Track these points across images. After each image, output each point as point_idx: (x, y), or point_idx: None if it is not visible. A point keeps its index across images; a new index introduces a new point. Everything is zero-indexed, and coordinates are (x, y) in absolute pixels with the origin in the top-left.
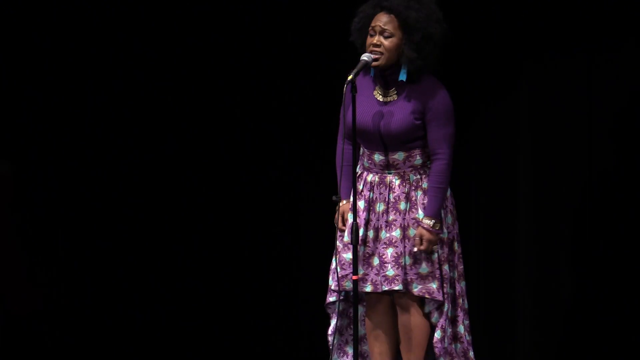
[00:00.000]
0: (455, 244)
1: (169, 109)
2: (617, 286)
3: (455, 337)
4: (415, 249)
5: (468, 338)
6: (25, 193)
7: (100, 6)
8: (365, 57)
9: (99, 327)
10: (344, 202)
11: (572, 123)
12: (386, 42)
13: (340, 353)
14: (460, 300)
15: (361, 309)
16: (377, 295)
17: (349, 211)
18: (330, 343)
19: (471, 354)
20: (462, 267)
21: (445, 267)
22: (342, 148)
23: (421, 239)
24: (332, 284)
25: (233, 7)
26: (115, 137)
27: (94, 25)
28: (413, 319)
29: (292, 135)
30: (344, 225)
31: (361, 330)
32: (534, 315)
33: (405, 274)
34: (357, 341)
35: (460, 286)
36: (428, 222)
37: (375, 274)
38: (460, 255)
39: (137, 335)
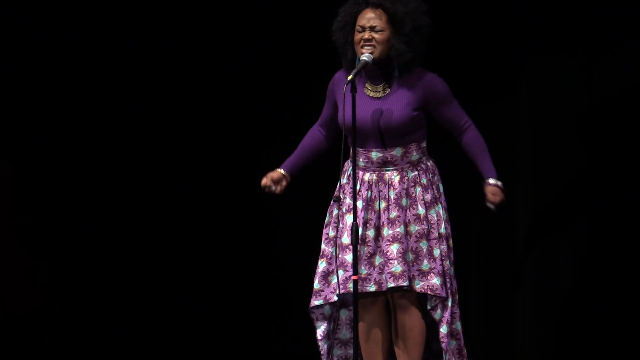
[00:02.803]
0: (450, 241)
1: (168, 110)
2: (618, 286)
3: (452, 334)
4: (491, 204)
5: (462, 336)
6: (25, 193)
7: (100, 6)
8: (365, 57)
9: (98, 327)
10: (281, 171)
11: (572, 121)
12: (377, 36)
13: (328, 358)
14: (457, 297)
15: (347, 313)
16: (371, 297)
17: (275, 178)
18: (321, 348)
19: (465, 351)
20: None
21: (447, 263)
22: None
23: (495, 196)
24: (324, 287)
25: (231, 8)
26: (115, 138)
27: (94, 26)
28: (412, 319)
29: (284, 136)
30: (269, 182)
31: (346, 334)
32: (534, 316)
33: (408, 270)
34: (357, 343)
35: (456, 283)
36: (496, 181)
37: (379, 273)
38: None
39: (137, 335)
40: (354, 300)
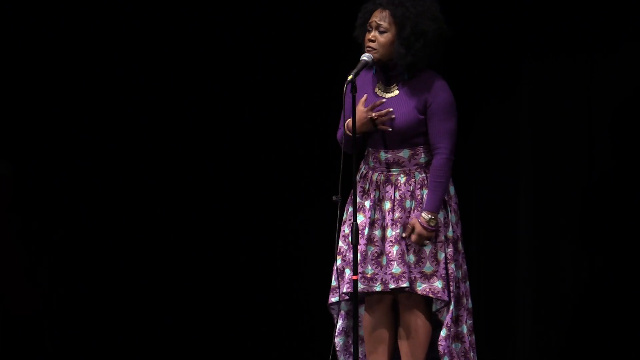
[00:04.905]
0: (460, 244)
1: (169, 109)
2: (618, 286)
3: (457, 337)
4: (404, 235)
5: (470, 338)
6: (25, 193)
7: (100, 6)
8: (365, 57)
9: (98, 327)
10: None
11: (572, 123)
12: (380, 38)
13: (346, 354)
14: (464, 300)
15: (360, 310)
16: (378, 295)
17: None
18: (336, 344)
19: (472, 354)
20: (465, 266)
21: (452, 266)
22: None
23: (413, 230)
24: (340, 284)
25: (233, 7)
26: (115, 137)
27: (94, 25)
28: (417, 320)
29: (292, 135)
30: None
31: (359, 331)
32: (534, 316)
33: (410, 272)
34: (357, 341)
35: (465, 286)
36: (425, 216)
37: (385, 273)
38: (464, 255)
39: (137, 336)
40: (353, 300)
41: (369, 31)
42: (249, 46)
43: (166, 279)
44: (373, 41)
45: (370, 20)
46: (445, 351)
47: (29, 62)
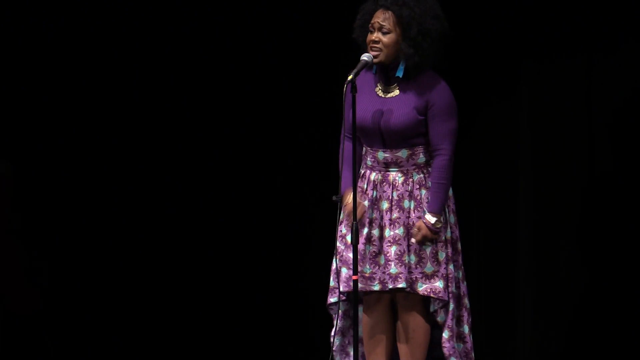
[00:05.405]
0: (459, 244)
1: (170, 109)
2: (618, 286)
3: (459, 337)
4: (413, 240)
5: (470, 338)
6: (25, 193)
7: (100, 6)
8: (365, 56)
9: (99, 327)
10: (348, 194)
11: (572, 123)
12: (384, 39)
13: (342, 354)
14: (465, 300)
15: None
16: (377, 295)
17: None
18: (332, 344)
19: (472, 354)
20: (463, 266)
21: (451, 267)
22: (342, 147)
23: (418, 232)
24: (337, 284)
25: (233, 7)
26: (115, 137)
27: (94, 25)
28: (415, 320)
29: (294, 135)
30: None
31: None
32: (534, 316)
33: (410, 272)
34: (357, 341)
35: (465, 286)
36: (430, 218)
37: (383, 273)
38: (462, 255)
39: (138, 336)
40: (353, 300)
41: (372, 32)
42: (249, 46)
43: (166, 279)
44: (377, 42)
45: (372, 22)
46: (451, 352)
47: (28, 62)
